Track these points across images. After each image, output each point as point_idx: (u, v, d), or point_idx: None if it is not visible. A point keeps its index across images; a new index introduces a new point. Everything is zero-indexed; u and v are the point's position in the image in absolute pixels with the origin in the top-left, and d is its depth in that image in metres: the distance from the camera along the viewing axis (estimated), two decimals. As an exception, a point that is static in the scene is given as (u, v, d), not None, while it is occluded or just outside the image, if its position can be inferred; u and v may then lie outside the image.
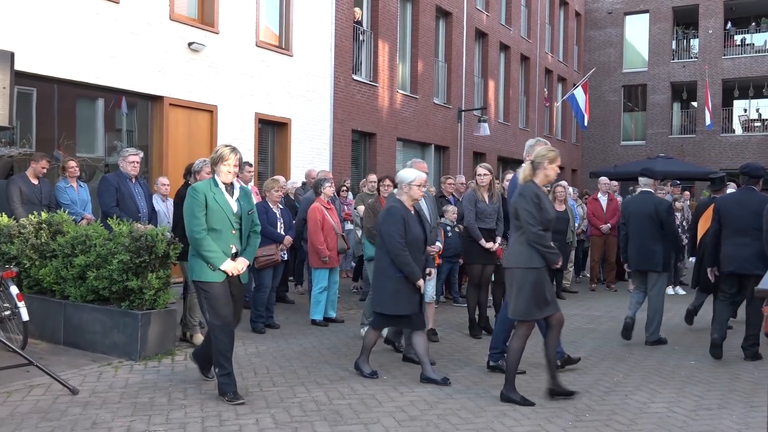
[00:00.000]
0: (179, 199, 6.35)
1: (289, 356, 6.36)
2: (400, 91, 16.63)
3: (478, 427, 4.48)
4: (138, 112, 10.43)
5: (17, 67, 6.56)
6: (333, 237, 7.89)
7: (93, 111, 10.01)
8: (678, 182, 13.16)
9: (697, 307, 8.15)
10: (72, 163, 8.20)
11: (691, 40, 29.85)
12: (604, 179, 12.29)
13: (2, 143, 8.41)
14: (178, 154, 10.36)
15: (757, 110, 30.80)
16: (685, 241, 11.04)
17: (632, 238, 7.33)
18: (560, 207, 10.02)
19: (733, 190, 8.28)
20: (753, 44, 29.07)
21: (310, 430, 4.37)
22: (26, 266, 6.79)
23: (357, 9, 15.31)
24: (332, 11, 14.04)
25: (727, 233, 6.62)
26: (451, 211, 9.20)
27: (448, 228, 9.05)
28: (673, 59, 29.37)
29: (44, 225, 6.89)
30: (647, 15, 29.48)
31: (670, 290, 11.09)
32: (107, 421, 4.43)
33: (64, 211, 7.28)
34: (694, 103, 29.86)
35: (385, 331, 6.60)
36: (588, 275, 12.42)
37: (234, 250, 4.96)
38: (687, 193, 14.21)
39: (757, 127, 29.95)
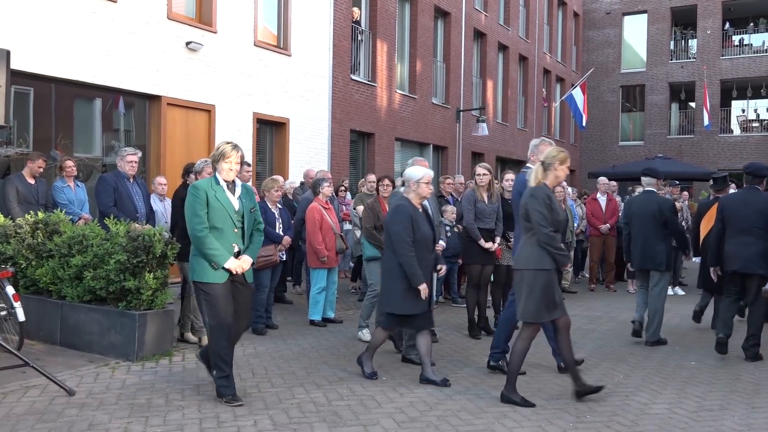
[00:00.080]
0: (178, 200, 6.31)
1: (288, 357, 6.32)
2: (398, 91, 16.60)
3: (478, 429, 4.45)
4: (135, 111, 10.38)
5: (14, 66, 6.54)
6: (331, 237, 7.86)
7: (90, 110, 9.96)
8: (677, 182, 13.16)
9: (703, 308, 8.25)
10: (69, 163, 8.16)
11: (690, 41, 29.90)
12: (603, 179, 12.26)
13: (-1, 143, 8.38)
14: (176, 154, 10.33)
15: (755, 111, 30.88)
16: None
17: (635, 238, 7.31)
18: (559, 207, 9.99)
19: (734, 190, 8.27)
20: (751, 45, 29.12)
21: (308, 431, 4.34)
22: (22, 266, 6.75)
23: (355, 9, 15.29)
24: (331, 11, 14.01)
25: (730, 232, 6.61)
26: (450, 211, 9.18)
27: (447, 228, 9.02)
28: (672, 60, 29.40)
29: (41, 225, 6.85)
30: (645, 15, 29.51)
31: (669, 290, 11.05)
32: (104, 423, 4.39)
33: (61, 211, 7.23)
34: (693, 104, 29.90)
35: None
36: (587, 275, 12.40)
37: (236, 249, 4.87)
38: (686, 193, 14.24)
39: (755, 127, 30.01)
